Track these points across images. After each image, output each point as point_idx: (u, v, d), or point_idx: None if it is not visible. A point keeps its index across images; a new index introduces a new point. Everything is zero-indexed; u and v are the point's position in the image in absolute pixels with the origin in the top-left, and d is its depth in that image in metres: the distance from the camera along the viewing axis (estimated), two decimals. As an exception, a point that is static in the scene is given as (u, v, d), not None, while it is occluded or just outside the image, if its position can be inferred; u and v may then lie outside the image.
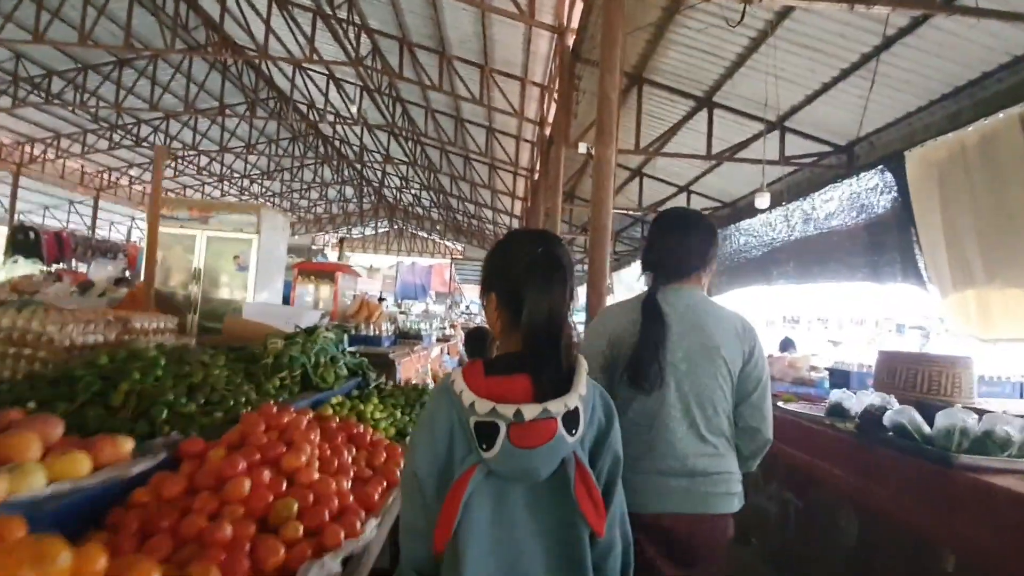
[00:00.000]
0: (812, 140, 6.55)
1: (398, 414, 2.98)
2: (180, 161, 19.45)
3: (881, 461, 2.62)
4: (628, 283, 16.31)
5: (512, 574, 1.01)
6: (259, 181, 21.96)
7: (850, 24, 4.69)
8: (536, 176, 13.24)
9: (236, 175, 21.11)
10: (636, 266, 15.86)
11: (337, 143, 19.71)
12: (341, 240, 11.57)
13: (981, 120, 4.69)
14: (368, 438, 2.20)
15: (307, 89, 14.30)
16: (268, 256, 7.49)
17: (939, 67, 4.79)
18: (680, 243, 1.68)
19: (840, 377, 4.56)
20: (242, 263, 7.17)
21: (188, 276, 7.30)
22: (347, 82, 13.76)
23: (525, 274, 1.09)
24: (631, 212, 11.00)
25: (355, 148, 19.04)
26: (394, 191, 23.86)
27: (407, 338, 5.35)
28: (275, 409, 1.94)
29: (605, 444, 1.11)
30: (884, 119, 5.85)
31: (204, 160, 19.83)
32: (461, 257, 30.05)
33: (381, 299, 7.11)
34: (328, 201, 26.24)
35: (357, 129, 16.04)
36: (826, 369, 5.01)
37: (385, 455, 2.14)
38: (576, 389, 1.02)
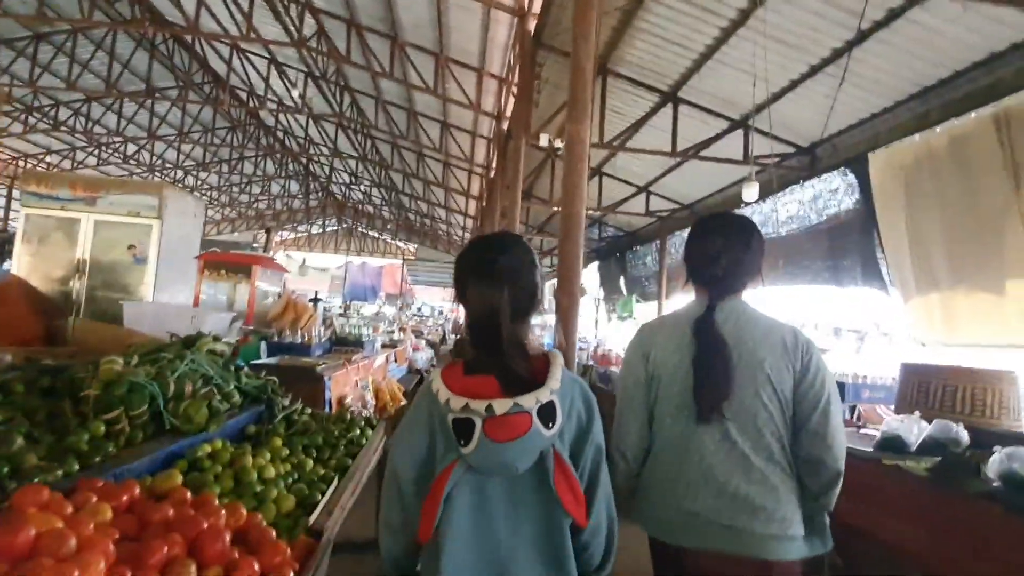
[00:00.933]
0: (776, 140, 6.42)
1: (309, 464, 2.08)
2: (104, 148, 17.95)
3: (974, 519, 2.01)
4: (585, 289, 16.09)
5: (492, 565, 1.05)
6: (193, 172, 20.50)
7: (824, 17, 4.51)
8: (492, 174, 12.81)
9: (168, 165, 19.61)
10: (593, 268, 15.53)
11: (281, 134, 18.63)
12: (268, 230, 10.10)
13: (951, 121, 4.59)
14: (226, 535, 1.25)
15: (246, 73, 13.35)
16: (174, 246, 6.31)
17: (910, 65, 4.67)
18: (743, 253, 1.53)
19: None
20: (139, 254, 5.97)
21: (71, 269, 6.05)
22: (290, 67, 12.91)
23: (467, 278, 1.17)
24: (590, 212, 10.57)
25: (300, 140, 18.04)
26: (343, 187, 22.87)
27: (345, 345, 4.64)
28: (46, 496, 1.12)
29: (587, 437, 1.14)
30: (848, 120, 5.75)
31: (132, 148, 18.32)
32: (413, 258, 29.33)
33: (315, 299, 6.26)
34: (272, 196, 24.89)
35: (302, 119, 15.15)
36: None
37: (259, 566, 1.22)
38: (548, 384, 1.06)
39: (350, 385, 3.77)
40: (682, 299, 9.16)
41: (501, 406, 1.01)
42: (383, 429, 2.85)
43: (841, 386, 3.60)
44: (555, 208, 11.06)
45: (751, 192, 5.61)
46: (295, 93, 11.72)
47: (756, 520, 1.35)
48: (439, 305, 31.08)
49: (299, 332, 4.03)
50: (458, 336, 19.12)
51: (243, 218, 28.58)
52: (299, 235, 31.43)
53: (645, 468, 1.52)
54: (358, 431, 2.61)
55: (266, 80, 12.84)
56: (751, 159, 6.02)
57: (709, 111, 6.45)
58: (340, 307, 14.76)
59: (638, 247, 12.57)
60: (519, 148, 6.22)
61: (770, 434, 1.40)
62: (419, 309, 24.54)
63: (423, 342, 11.12)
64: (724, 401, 1.37)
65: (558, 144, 6.09)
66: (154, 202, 6.13)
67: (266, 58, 12.63)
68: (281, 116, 15.88)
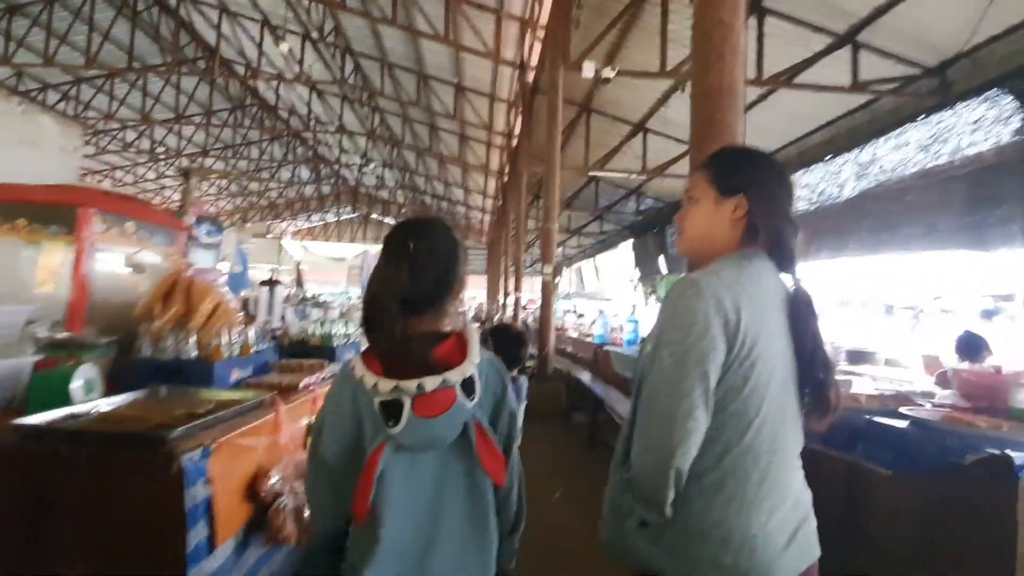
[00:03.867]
0: (894, 60, 4.85)
1: None
2: (102, 135, 16.91)
3: None
4: (616, 271, 14.31)
5: (427, 535, 1.10)
6: (197, 159, 19.42)
7: None
8: (515, 143, 11.35)
9: (171, 151, 18.53)
10: (626, 247, 13.63)
11: (285, 114, 17.37)
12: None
13: None
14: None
15: (238, 41, 12.08)
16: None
17: None
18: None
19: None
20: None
21: None
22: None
23: (382, 259, 1.19)
24: (632, 176, 8.92)
25: (303, 117, 16.78)
26: (354, 170, 21.61)
27: (303, 356, 2.84)
28: None
29: (502, 405, 1.22)
30: (1010, 18, 4.17)
31: (132, 135, 17.30)
32: None
33: (270, 282, 4.45)
34: (282, 184, 23.80)
35: (304, 93, 13.79)
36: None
37: None
38: (470, 358, 1.12)
39: (278, 455, 1.89)
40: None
41: (431, 383, 1.06)
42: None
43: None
44: (590, 175, 9.77)
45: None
46: (284, 48, 10.28)
47: (809, 521, 1.15)
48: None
49: (190, 338, 2.13)
50: (480, 324, 18.12)
51: (255, 208, 27.73)
52: (315, 225, 30.48)
53: (698, 491, 1.06)
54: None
55: (259, 45, 11.53)
56: (862, 85, 4.48)
57: (805, 24, 4.89)
58: (312, 296, 13.80)
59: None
60: (556, 83, 4.73)
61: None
62: None
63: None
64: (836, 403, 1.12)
65: (608, 74, 4.61)
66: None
67: (257, 21, 11.30)
68: (284, 94, 14.66)
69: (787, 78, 5.27)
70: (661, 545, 1.07)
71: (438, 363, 1.08)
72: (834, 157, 6.40)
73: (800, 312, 1.10)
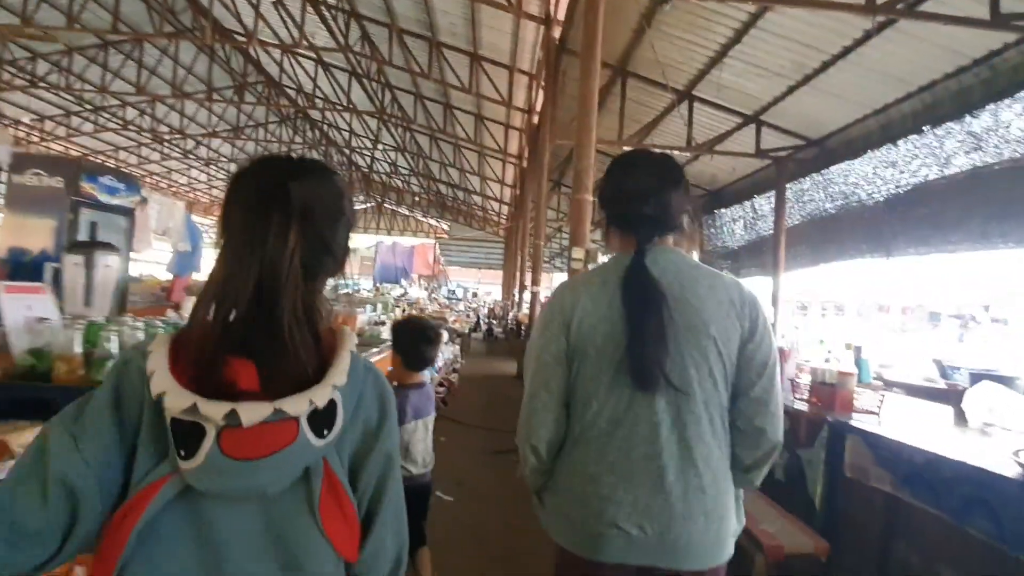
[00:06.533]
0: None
1: None
2: (167, 144, 19.40)
3: None
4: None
5: None
6: (204, 141, 21.31)
7: None
8: (525, 163, 13.46)
9: (224, 159, 21.05)
10: None
11: (325, 127, 19.72)
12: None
13: None
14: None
15: (295, 74, 14.33)
16: None
17: None
18: (660, 190, 1.25)
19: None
20: None
21: None
22: (336, 67, 13.80)
23: (235, 208, 0.77)
24: (674, 150, 7.69)
25: (344, 133, 19.11)
26: (367, 159, 22.23)
27: None
28: None
29: (375, 445, 0.81)
30: None
31: (191, 144, 19.73)
32: (446, 237, 28.87)
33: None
34: None
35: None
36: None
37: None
38: (330, 378, 0.73)
39: None
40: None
41: (254, 412, 0.66)
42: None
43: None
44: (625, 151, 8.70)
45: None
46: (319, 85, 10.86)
47: (696, 523, 1.12)
48: (474, 286, 31.37)
49: None
50: (489, 322, 18.29)
51: None
52: None
53: (558, 463, 1.23)
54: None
55: (314, 79, 13.77)
56: (1004, 22, 3.88)
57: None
58: (371, 290, 13.06)
59: (722, 209, 9.57)
60: (545, 144, 6.78)
61: (715, 408, 1.17)
62: (451, 291, 22.71)
63: (444, 332, 6.74)
64: (664, 361, 1.12)
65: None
66: None
67: (314, 59, 13.57)
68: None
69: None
70: (541, 502, 1.30)
71: (292, 376, 0.71)
72: (933, 127, 5.45)
73: (625, 285, 1.19)
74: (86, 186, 3.26)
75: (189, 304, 2.47)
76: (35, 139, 17.31)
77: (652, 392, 1.14)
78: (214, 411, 0.66)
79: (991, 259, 4.67)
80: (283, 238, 0.73)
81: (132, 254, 4.22)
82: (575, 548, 1.17)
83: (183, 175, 23.87)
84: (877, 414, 2.44)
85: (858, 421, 2.34)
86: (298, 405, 0.69)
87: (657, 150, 1.38)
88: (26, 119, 16.47)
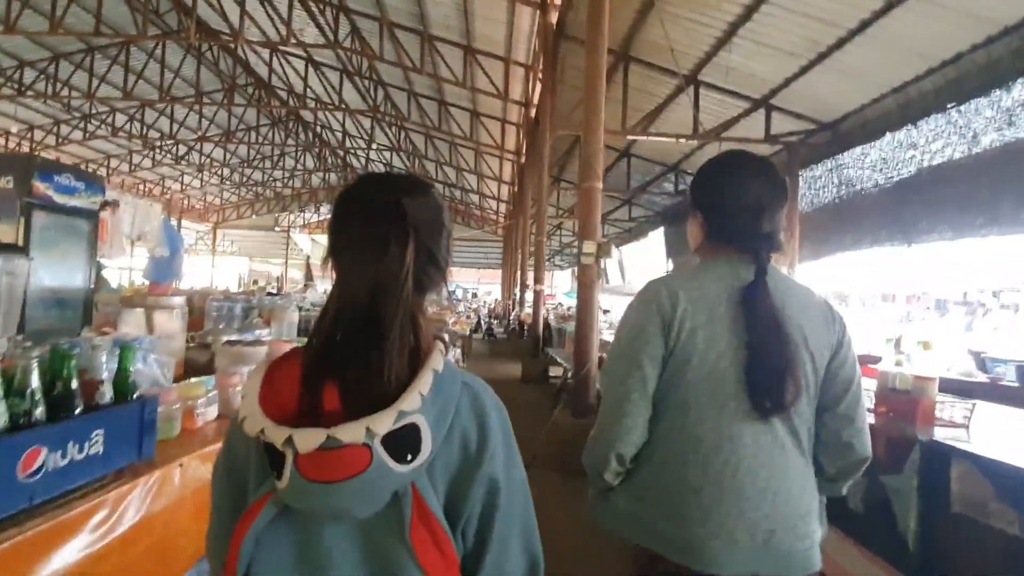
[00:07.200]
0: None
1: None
2: (158, 151, 19.10)
3: None
4: (642, 265, 13.32)
5: None
6: (239, 169, 21.53)
7: None
8: (523, 159, 13.15)
9: (216, 163, 20.73)
10: (654, 238, 12.59)
11: (319, 129, 19.40)
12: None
13: None
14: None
15: (285, 75, 14.02)
16: None
17: None
18: (776, 207, 1.22)
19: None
20: None
21: None
22: (327, 66, 13.48)
23: (353, 233, 0.77)
24: (680, 138, 7.46)
25: (337, 134, 18.81)
26: (362, 159, 21.90)
27: None
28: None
29: (477, 471, 0.76)
30: None
31: (182, 149, 19.43)
32: None
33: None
34: (287, 172, 24.26)
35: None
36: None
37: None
38: (399, 404, 0.69)
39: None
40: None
41: (308, 439, 0.66)
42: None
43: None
44: (629, 138, 8.73)
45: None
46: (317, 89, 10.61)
47: (795, 532, 1.14)
48: (474, 286, 31.11)
49: None
50: (490, 322, 18.16)
51: (262, 200, 28.34)
52: (324, 217, 30.10)
53: (645, 471, 1.20)
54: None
55: (304, 79, 13.45)
56: None
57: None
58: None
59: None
60: (545, 136, 6.49)
61: (808, 420, 1.19)
62: (451, 292, 24.10)
63: (445, 336, 5.90)
64: (787, 391, 1.11)
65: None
66: None
67: (304, 58, 13.23)
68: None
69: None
70: (618, 511, 1.21)
71: (375, 397, 0.70)
72: (957, 105, 5.20)
73: (749, 305, 1.15)
74: (39, 185, 2.96)
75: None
76: (24, 149, 17.00)
77: (767, 421, 1.14)
78: (276, 436, 0.68)
79: (1001, 243, 4.54)
80: (401, 255, 0.75)
81: (103, 260, 3.92)
82: (675, 556, 1.15)
83: (176, 181, 23.61)
84: (966, 427, 2.03)
85: (957, 440, 1.91)
86: (353, 433, 0.67)
87: (759, 155, 1.31)
88: (14, 128, 16.16)
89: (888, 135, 6.07)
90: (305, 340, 0.80)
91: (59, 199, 3.09)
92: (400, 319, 0.73)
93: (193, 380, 1.50)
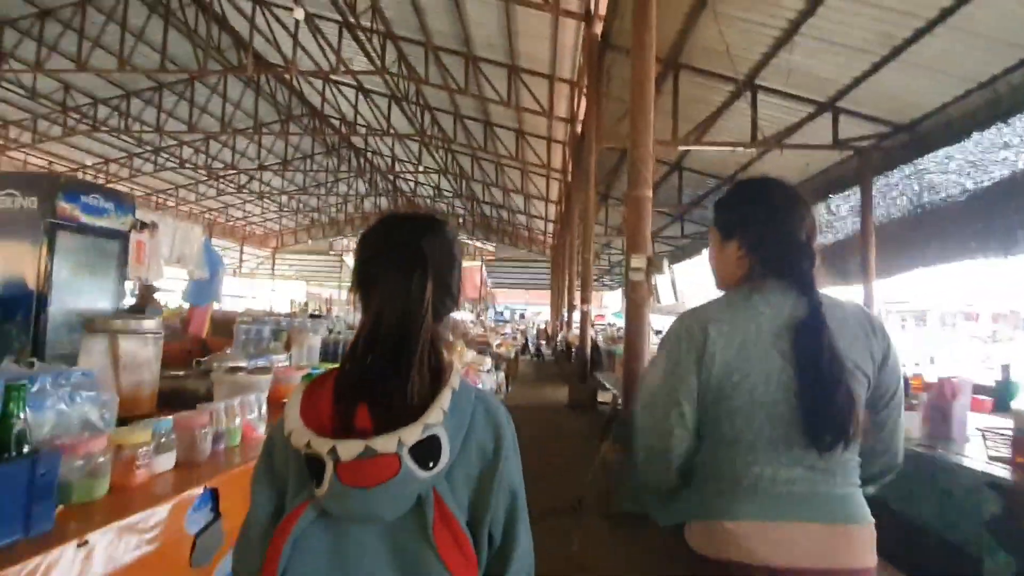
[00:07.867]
0: None
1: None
2: (221, 180, 20.07)
3: None
4: (698, 281, 13.02)
5: None
6: (296, 196, 22.38)
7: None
8: (569, 178, 12.89)
9: (274, 191, 21.58)
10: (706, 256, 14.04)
11: (369, 154, 19.89)
12: None
13: None
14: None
15: (337, 103, 14.43)
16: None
17: None
18: (812, 240, 1.20)
19: None
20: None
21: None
22: (376, 93, 13.80)
23: (374, 263, 0.90)
24: (737, 147, 7.08)
25: (386, 159, 19.22)
26: (411, 184, 22.62)
27: None
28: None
29: (494, 477, 0.86)
30: None
31: (244, 179, 20.35)
32: (493, 258, 28.32)
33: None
34: (340, 198, 25.10)
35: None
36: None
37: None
38: (425, 418, 0.79)
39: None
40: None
41: (348, 450, 0.76)
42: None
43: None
44: (681, 148, 8.20)
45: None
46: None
47: (860, 524, 1.16)
48: (522, 307, 30.80)
49: None
50: (538, 343, 17.98)
51: (317, 225, 29.41)
52: None
53: (703, 498, 1.19)
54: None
55: (355, 106, 13.80)
56: None
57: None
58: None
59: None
60: (591, 150, 6.23)
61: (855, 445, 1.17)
62: (499, 313, 23.65)
63: (487, 359, 5.78)
64: (851, 426, 1.08)
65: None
66: None
67: (354, 87, 13.60)
68: (370, 139, 15.84)
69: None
70: (674, 506, 1.23)
71: (400, 414, 0.79)
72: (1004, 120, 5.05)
73: (801, 337, 1.11)
74: (65, 206, 2.90)
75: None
76: (100, 180, 18.24)
77: (825, 458, 1.12)
78: (321, 447, 0.78)
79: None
80: (422, 290, 0.85)
81: (154, 283, 3.88)
82: (746, 559, 1.12)
83: (239, 209, 24.78)
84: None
85: None
86: (387, 443, 0.77)
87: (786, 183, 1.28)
88: (89, 161, 17.37)
89: (976, 135, 5.46)
90: (320, 366, 1.15)
91: (87, 219, 3.05)
92: (422, 346, 0.83)
93: (140, 423, 1.25)
